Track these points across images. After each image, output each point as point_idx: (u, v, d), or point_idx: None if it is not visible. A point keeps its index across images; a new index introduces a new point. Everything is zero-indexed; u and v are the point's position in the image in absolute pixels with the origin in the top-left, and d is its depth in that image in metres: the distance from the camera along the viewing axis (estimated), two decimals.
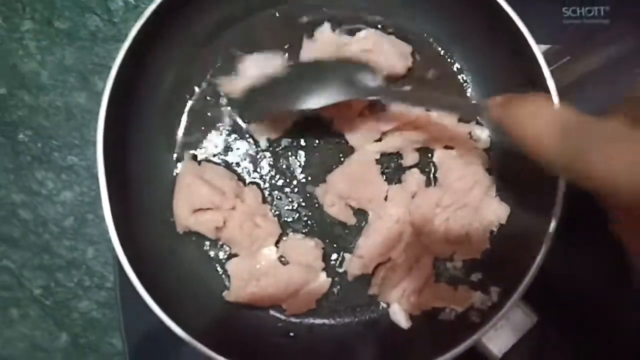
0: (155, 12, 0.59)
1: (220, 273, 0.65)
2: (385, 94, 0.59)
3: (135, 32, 0.58)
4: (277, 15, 0.68)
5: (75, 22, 0.79)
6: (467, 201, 0.62)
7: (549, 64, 0.65)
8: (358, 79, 0.58)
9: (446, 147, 0.66)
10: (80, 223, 0.77)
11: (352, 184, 0.64)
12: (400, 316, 0.62)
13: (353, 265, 0.63)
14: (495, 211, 0.63)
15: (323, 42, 0.66)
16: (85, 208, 0.77)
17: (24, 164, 0.77)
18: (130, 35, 0.58)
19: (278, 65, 0.65)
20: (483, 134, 0.66)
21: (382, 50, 0.65)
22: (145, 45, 0.60)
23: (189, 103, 0.68)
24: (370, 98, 0.61)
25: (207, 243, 0.66)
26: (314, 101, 0.58)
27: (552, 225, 0.55)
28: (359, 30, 0.67)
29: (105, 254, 0.76)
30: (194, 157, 0.67)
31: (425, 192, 0.64)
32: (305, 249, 0.63)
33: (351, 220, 0.65)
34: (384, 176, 0.66)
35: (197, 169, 0.64)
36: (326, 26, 0.67)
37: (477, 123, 0.67)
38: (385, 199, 0.64)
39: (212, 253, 0.66)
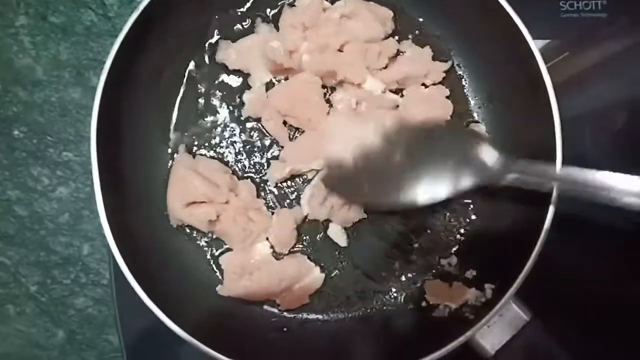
0: (149, 6, 0.60)
1: (214, 268, 0.67)
2: (521, 174, 0.50)
3: (130, 26, 0.60)
4: None
5: (70, 17, 0.80)
6: None
7: (548, 59, 0.66)
8: (476, 154, 0.51)
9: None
10: (76, 219, 0.78)
11: (292, 101, 0.66)
12: (338, 235, 0.66)
13: (275, 168, 0.66)
14: None
15: (304, 8, 0.67)
16: (80, 204, 0.78)
17: (19, 160, 0.78)
18: (124, 30, 0.60)
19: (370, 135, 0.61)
20: (480, 130, 0.68)
21: (362, 16, 0.66)
22: (139, 39, 0.62)
23: (184, 96, 0.70)
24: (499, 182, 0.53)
25: (201, 238, 0.67)
26: (432, 194, 0.52)
27: (547, 223, 0.56)
28: None
29: (101, 250, 0.77)
30: (189, 150, 0.68)
31: (375, 114, 0.65)
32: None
33: (285, 139, 0.68)
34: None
35: (191, 162, 0.66)
36: None
37: (475, 121, 0.68)
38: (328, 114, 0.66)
39: (206, 248, 0.67)
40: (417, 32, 0.70)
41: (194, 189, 0.63)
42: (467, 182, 0.51)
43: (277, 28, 0.69)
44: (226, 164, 0.68)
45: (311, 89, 0.66)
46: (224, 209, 0.64)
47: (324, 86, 0.68)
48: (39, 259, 0.77)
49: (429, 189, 0.52)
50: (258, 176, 0.69)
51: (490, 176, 0.50)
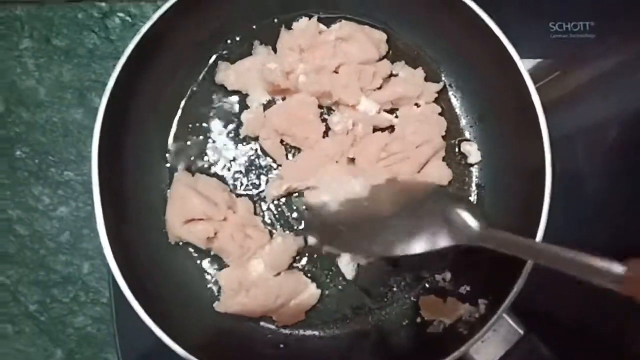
0: (150, 30, 0.63)
1: (212, 286, 0.69)
2: (496, 241, 0.52)
3: (131, 49, 0.63)
4: (276, 21, 0.73)
5: (73, 39, 0.83)
6: (414, 155, 0.68)
7: (538, 79, 0.69)
8: (455, 218, 0.54)
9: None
10: (76, 238, 0.80)
11: (289, 120, 0.69)
12: (348, 267, 0.68)
13: (272, 186, 0.69)
14: (438, 173, 0.69)
15: (301, 31, 0.71)
16: (81, 223, 0.80)
17: (21, 180, 0.81)
18: (126, 52, 0.63)
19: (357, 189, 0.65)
20: (472, 148, 0.70)
21: (357, 38, 0.70)
22: (140, 61, 0.65)
23: (182, 116, 0.73)
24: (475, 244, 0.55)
25: (199, 255, 0.69)
26: (407, 248, 0.55)
27: (539, 238, 0.58)
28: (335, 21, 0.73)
29: (101, 269, 0.79)
30: (187, 168, 0.71)
31: (373, 135, 0.69)
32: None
33: (281, 158, 0.70)
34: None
35: (189, 180, 0.69)
36: (304, 19, 0.72)
37: (466, 140, 0.71)
38: (325, 136, 0.69)
39: (204, 265, 0.69)
40: (409, 54, 0.73)
41: (192, 207, 0.65)
42: (443, 242, 0.54)
43: (275, 50, 0.72)
44: (224, 181, 0.71)
45: (308, 109, 0.69)
46: (221, 226, 0.66)
47: (320, 106, 0.71)
48: (39, 277, 0.79)
49: (406, 244, 0.55)
50: (255, 193, 0.71)
51: (467, 240, 0.54)
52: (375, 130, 0.70)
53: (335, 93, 0.68)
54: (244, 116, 0.72)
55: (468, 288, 0.65)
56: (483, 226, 0.54)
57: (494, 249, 0.52)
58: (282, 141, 0.71)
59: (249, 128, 0.71)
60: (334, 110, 0.72)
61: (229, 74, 0.72)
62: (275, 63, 0.69)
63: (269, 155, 0.71)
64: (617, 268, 0.41)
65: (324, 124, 0.70)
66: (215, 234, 0.65)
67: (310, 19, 0.72)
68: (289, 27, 0.72)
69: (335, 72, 0.70)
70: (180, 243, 0.68)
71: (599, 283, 0.42)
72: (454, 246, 0.54)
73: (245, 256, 0.66)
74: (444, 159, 0.71)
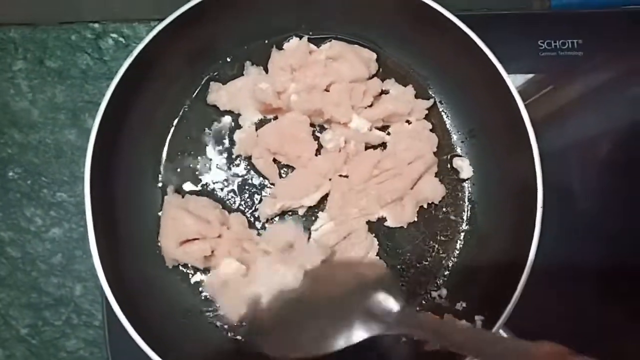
0: (143, 50, 0.64)
1: (211, 308, 0.68)
2: (418, 325, 0.53)
3: (124, 70, 0.64)
4: (267, 42, 0.75)
5: (67, 61, 0.85)
6: (406, 171, 0.69)
7: (529, 95, 0.71)
8: (377, 306, 0.54)
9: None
10: (69, 260, 0.80)
11: (282, 139, 0.69)
12: None
13: (266, 204, 0.70)
14: (431, 189, 0.70)
15: (291, 51, 0.72)
16: (73, 244, 0.80)
17: (13, 201, 0.81)
18: (119, 73, 0.64)
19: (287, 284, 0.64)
20: (464, 164, 0.71)
21: (347, 58, 0.71)
22: (133, 82, 0.66)
23: (174, 136, 0.73)
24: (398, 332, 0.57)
25: (195, 277, 0.69)
26: (334, 343, 0.54)
27: (532, 254, 0.59)
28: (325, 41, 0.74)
29: (94, 291, 0.79)
30: (177, 190, 0.71)
31: (365, 153, 0.71)
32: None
33: (275, 177, 0.71)
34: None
35: (180, 201, 0.69)
36: (294, 39, 0.74)
37: (458, 155, 0.72)
38: (317, 154, 0.70)
39: (201, 288, 0.69)
40: (399, 71, 0.75)
41: (185, 227, 0.65)
42: (364, 333, 0.54)
43: (266, 70, 0.73)
44: (217, 201, 0.71)
45: (300, 127, 0.70)
46: (217, 243, 0.66)
47: (312, 125, 0.72)
48: (30, 300, 0.79)
49: (327, 341, 0.55)
50: (249, 212, 0.72)
51: (388, 327, 0.54)
52: (367, 147, 0.71)
53: (327, 111, 0.69)
54: (237, 136, 0.73)
55: (464, 304, 0.66)
56: (402, 309, 0.54)
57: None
58: (275, 160, 0.72)
59: (241, 147, 0.72)
60: (326, 129, 0.73)
61: (221, 95, 0.73)
62: (266, 83, 0.70)
63: (262, 175, 0.72)
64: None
65: (316, 142, 0.71)
66: (212, 252, 0.65)
67: (300, 39, 0.73)
68: (279, 48, 0.73)
69: (327, 90, 0.71)
70: (178, 265, 0.69)
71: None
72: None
73: (244, 269, 0.66)
74: (436, 175, 0.72)
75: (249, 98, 0.72)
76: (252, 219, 0.71)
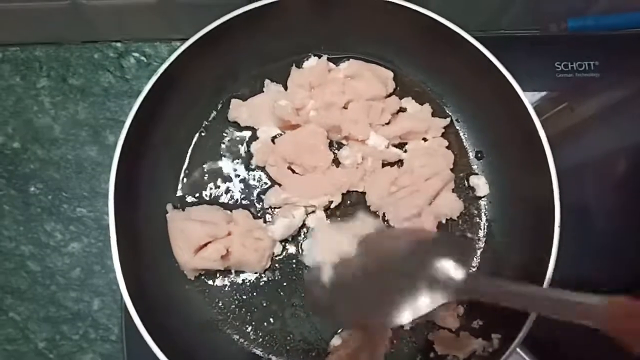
0: (167, 70, 0.68)
1: (228, 320, 0.71)
2: (482, 290, 0.53)
3: (149, 88, 0.68)
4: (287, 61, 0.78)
5: (89, 79, 0.89)
6: (424, 188, 0.71)
7: (545, 111, 0.73)
8: (441, 273, 0.54)
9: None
10: (87, 274, 0.83)
11: (298, 149, 0.73)
12: None
13: (272, 192, 0.73)
14: (449, 205, 0.73)
15: (310, 69, 0.76)
16: (92, 259, 0.84)
17: (34, 216, 0.85)
18: (144, 91, 0.68)
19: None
20: (480, 181, 0.74)
21: (365, 76, 0.75)
22: (157, 100, 0.70)
23: (195, 151, 0.77)
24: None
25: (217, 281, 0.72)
26: (402, 317, 0.54)
27: (549, 272, 0.60)
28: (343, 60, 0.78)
29: (111, 306, 0.82)
30: (175, 206, 0.74)
31: (383, 170, 0.74)
32: None
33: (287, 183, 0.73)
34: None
35: (182, 214, 0.72)
36: (313, 58, 0.78)
37: (474, 173, 0.75)
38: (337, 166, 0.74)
39: (217, 299, 0.72)
40: (417, 90, 0.78)
41: (195, 234, 0.68)
42: (430, 302, 0.54)
43: (285, 88, 0.77)
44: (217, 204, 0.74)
45: (317, 139, 0.73)
46: (229, 241, 0.69)
47: (330, 141, 0.75)
48: (49, 314, 0.82)
49: (394, 310, 0.55)
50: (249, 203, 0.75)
51: (456, 294, 0.54)
52: (384, 165, 0.75)
53: (345, 128, 0.73)
54: (254, 147, 0.76)
55: (481, 322, 0.67)
56: (472, 277, 0.55)
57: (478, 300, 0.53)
58: (290, 169, 0.74)
59: (258, 157, 0.75)
60: (343, 145, 0.76)
61: (241, 111, 0.77)
62: (286, 100, 0.73)
63: (276, 183, 0.75)
64: (599, 307, 0.42)
65: (333, 155, 0.74)
66: (227, 250, 0.68)
67: (319, 58, 0.77)
68: (299, 66, 0.77)
69: (345, 108, 0.74)
70: (198, 277, 0.71)
71: (585, 323, 0.43)
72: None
73: (264, 258, 0.70)
74: (452, 191, 0.74)
75: (268, 114, 0.76)
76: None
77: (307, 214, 0.73)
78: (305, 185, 0.72)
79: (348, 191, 0.73)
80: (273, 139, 0.76)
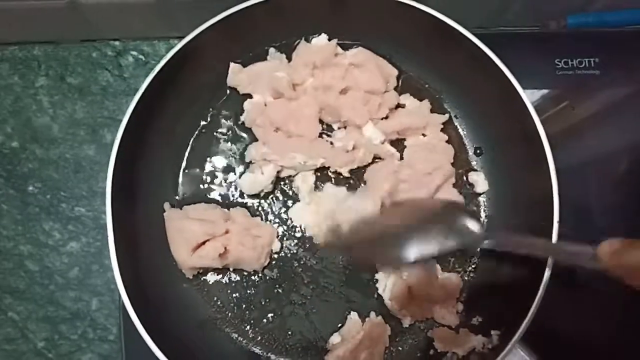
0: (163, 68, 0.69)
1: (226, 319, 0.71)
2: (495, 241, 0.61)
3: (145, 86, 0.68)
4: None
5: (87, 78, 0.90)
6: (426, 182, 0.72)
7: (545, 110, 0.73)
8: (459, 225, 0.61)
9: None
10: (85, 274, 0.83)
11: (288, 115, 0.73)
12: None
13: (254, 147, 0.73)
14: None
15: (318, 47, 0.76)
16: (90, 259, 0.84)
17: (32, 215, 0.85)
18: (141, 89, 0.68)
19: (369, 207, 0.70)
20: (479, 178, 0.74)
21: (368, 68, 0.75)
22: (154, 98, 0.70)
23: (193, 151, 0.77)
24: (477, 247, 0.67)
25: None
26: (417, 252, 0.61)
27: (549, 268, 0.60)
28: (353, 46, 0.78)
29: (109, 306, 0.82)
30: (172, 204, 0.73)
31: (383, 162, 0.74)
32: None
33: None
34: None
35: (179, 213, 0.72)
36: (323, 36, 0.77)
37: (473, 170, 0.75)
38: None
39: (215, 297, 0.72)
40: (416, 86, 0.79)
41: (193, 233, 0.68)
42: (451, 244, 0.61)
43: (289, 58, 0.76)
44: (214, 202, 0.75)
45: (309, 109, 0.73)
46: (227, 239, 0.69)
47: (322, 123, 0.75)
48: (48, 314, 0.82)
49: (418, 248, 0.61)
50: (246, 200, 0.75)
51: (472, 241, 0.61)
52: (375, 159, 0.75)
53: (344, 113, 0.73)
54: (247, 105, 0.76)
55: (480, 319, 0.68)
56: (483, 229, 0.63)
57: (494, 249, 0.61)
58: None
59: (248, 116, 0.75)
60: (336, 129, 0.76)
61: (242, 78, 0.76)
62: (284, 72, 0.73)
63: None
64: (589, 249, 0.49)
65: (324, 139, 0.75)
66: (225, 248, 0.69)
67: (330, 39, 0.76)
68: (308, 40, 0.77)
69: (342, 94, 0.74)
70: (196, 275, 0.72)
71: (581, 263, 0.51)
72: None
73: (262, 255, 0.70)
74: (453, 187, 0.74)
75: (266, 82, 0.75)
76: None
77: (279, 172, 0.74)
78: (287, 145, 0.72)
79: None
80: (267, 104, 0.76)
